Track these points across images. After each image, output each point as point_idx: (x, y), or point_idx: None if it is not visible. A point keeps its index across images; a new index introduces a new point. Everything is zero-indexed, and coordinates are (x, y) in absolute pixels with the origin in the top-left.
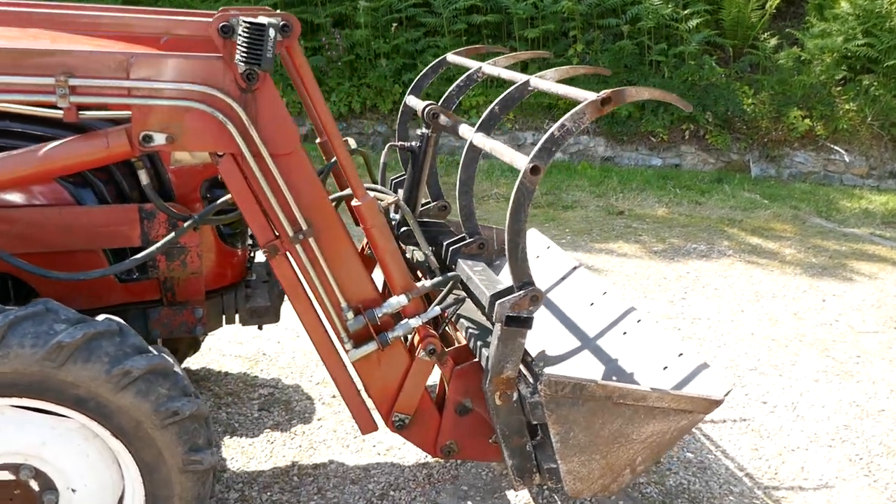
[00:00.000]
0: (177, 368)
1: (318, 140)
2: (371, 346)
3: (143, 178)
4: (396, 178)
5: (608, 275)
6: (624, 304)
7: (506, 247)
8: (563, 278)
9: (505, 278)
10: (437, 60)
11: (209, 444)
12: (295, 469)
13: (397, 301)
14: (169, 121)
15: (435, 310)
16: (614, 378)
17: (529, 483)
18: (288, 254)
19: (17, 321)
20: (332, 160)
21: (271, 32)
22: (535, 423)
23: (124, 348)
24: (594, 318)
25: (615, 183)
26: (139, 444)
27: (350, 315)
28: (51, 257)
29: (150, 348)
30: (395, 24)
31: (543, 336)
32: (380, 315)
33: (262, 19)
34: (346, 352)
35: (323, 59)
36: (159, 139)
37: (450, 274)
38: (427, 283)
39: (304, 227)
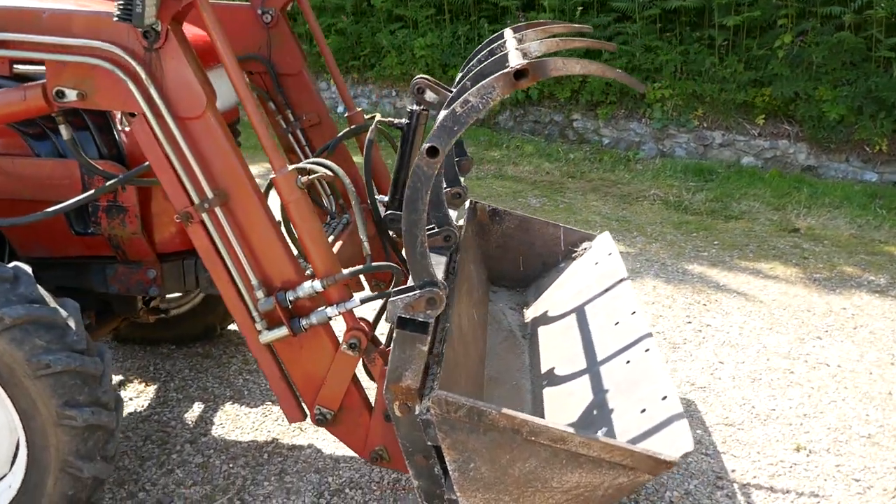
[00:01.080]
0: (71, 323)
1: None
2: (281, 331)
3: (65, 133)
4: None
5: (735, 299)
6: (644, 329)
7: (404, 239)
8: (605, 290)
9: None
10: (494, 35)
11: (94, 403)
12: (270, 447)
13: (310, 286)
14: (80, 78)
15: (354, 301)
16: (592, 412)
17: None
18: (204, 222)
19: None
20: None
21: None
22: (429, 444)
23: (10, 296)
24: (611, 338)
25: (803, 196)
26: (14, 391)
27: (261, 294)
28: (15, 205)
29: (48, 300)
30: (580, 8)
31: (555, 348)
32: (291, 298)
33: None
34: (258, 332)
35: None
36: (71, 95)
37: (379, 263)
38: (349, 270)
39: (210, 195)
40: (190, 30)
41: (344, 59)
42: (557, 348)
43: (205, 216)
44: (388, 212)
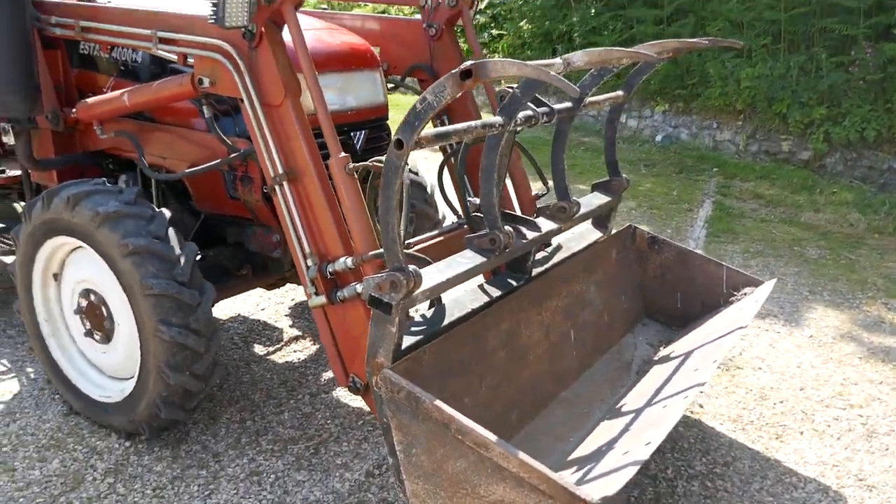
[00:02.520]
0: (181, 260)
1: None
2: (321, 299)
3: (206, 112)
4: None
5: None
6: (703, 377)
7: (380, 225)
8: (720, 336)
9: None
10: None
11: (185, 326)
12: (371, 415)
13: (343, 261)
14: (210, 69)
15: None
16: (596, 443)
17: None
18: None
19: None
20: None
21: None
22: (384, 421)
23: (141, 230)
24: (681, 381)
25: None
26: (134, 305)
27: (310, 262)
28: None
29: (172, 239)
30: None
31: (645, 385)
32: (331, 270)
33: None
34: (307, 296)
35: (841, 77)
36: (206, 83)
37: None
38: (374, 252)
39: (281, 171)
40: (339, 37)
41: (671, 87)
42: (646, 386)
43: (277, 189)
44: (474, 213)
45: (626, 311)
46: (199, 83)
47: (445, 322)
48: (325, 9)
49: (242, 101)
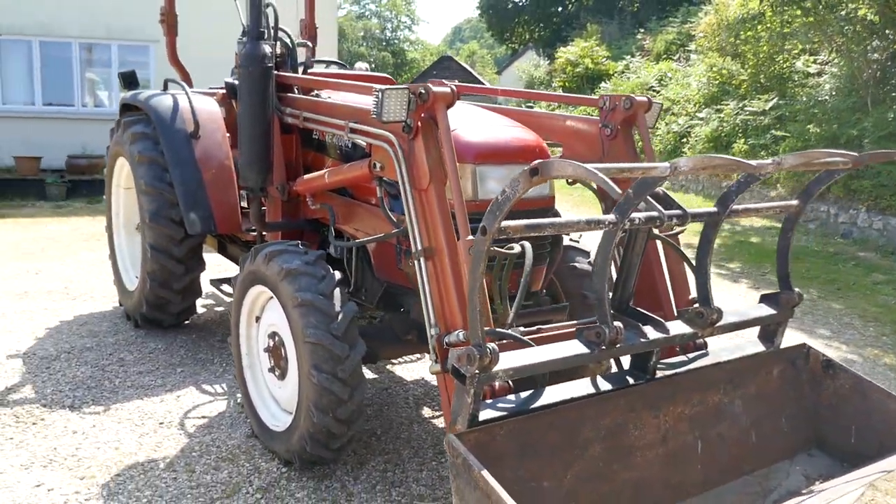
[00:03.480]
0: (339, 316)
1: None
2: (437, 367)
3: (378, 192)
4: None
5: None
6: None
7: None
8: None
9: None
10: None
11: (332, 374)
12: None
13: (456, 334)
14: (381, 155)
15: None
16: None
17: None
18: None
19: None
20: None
21: (381, 95)
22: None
23: (312, 286)
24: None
25: None
26: (297, 349)
27: (433, 332)
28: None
29: (335, 297)
30: None
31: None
32: (447, 340)
33: (397, 87)
34: (431, 362)
35: None
36: (378, 167)
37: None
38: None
39: (419, 247)
40: (513, 132)
41: None
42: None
43: (416, 263)
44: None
45: (786, 436)
46: (373, 167)
47: (537, 404)
48: (530, 106)
49: (400, 184)
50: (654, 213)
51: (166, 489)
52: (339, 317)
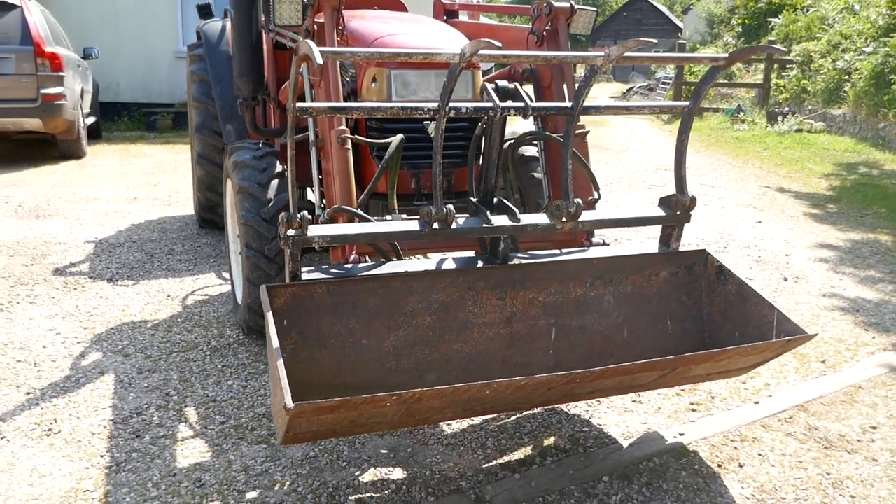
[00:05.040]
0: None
1: None
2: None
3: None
4: None
5: None
6: None
7: None
8: None
9: None
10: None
11: (259, 251)
12: None
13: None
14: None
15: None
16: None
17: None
18: None
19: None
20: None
21: (273, 2)
22: None
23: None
24: None
25: None
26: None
27: (318, 211)
28: None
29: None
30: None
31: None
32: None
33: None
34: None
35: None
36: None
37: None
38: (335, 206)
39: (312, 138)
40: (441, 39)
41: None
42: None
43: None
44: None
45: (672, 338)
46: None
47: (367, 273)
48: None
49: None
50: (489, 104)
51: (141, 341)
52: (271, 203)
